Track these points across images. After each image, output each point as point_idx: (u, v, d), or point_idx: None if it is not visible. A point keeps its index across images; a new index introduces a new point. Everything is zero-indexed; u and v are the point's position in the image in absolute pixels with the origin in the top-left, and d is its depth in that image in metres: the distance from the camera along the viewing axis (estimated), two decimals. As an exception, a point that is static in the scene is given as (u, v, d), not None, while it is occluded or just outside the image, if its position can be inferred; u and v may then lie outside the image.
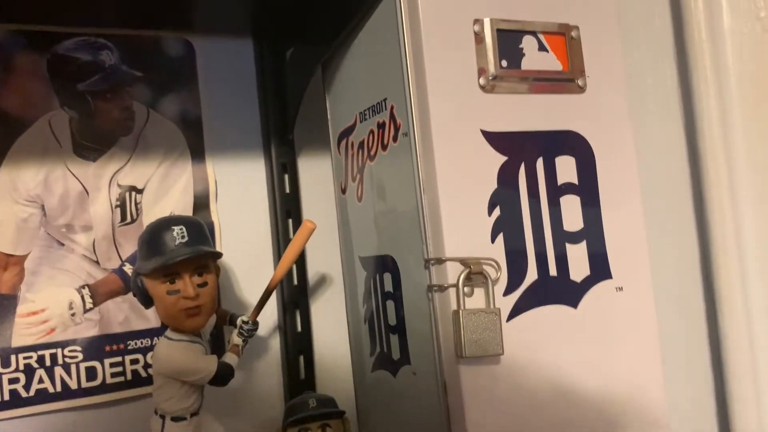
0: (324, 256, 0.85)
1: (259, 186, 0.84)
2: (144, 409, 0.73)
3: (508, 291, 0.59)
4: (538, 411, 0.59)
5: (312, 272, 0.86)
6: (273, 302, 0.84)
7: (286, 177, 0.84)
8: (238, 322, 0.72)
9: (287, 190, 0.84)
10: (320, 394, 0.77)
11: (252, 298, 0.80)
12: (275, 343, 0.84)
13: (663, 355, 0.65)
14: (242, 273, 0.82)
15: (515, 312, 0.59)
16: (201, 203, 0.80)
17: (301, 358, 0.83)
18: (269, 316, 0.83)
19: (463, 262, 0.57)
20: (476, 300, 0.57)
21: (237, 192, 0.83)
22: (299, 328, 0.84)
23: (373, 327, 0.69)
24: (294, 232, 0.82)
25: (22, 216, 0.73)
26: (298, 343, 0.83)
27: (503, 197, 0.59)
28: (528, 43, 0.62)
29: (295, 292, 0.84)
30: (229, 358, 0.69)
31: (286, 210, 0.83)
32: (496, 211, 0.59)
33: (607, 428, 0.62)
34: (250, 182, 0.84)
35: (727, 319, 0.69)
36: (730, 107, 0.73)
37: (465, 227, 0.58)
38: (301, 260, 0.85)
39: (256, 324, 0.73)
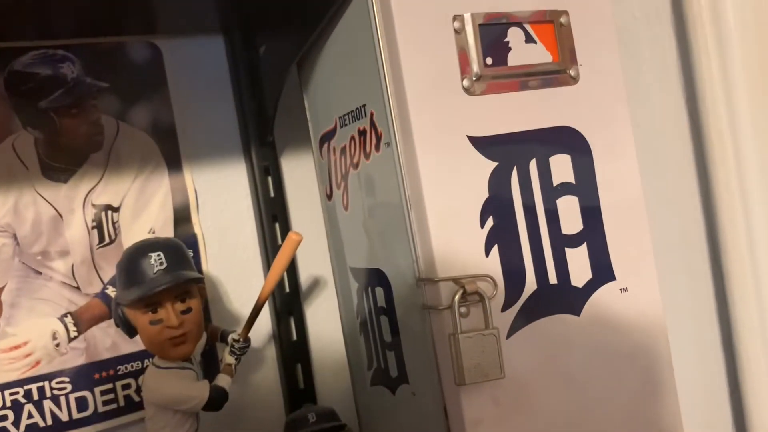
0: (316, 259, 0.81)
1: (242, 192, 0.80)
2: (139, 436, 0.71)
3: (506, 306, 0.55)
4: (546, 429, 0.56)
5: (304, 276, 0.82)
6: (266, 310, 0.81)
7: (270, 180, 0.80)
8: (229, 339, 0.70)
9: (272, 194, 0.80)
10: (320, 407, 0.75)
11: (243, 309, 0.77)
12: (271, 353, 0.81)
13: (673, 353, 0.62)
14: (231, 284, 0.79)
15: (515, 328, 0.56)
16: (182, 216, 0.76)
17: (299, 367, 0.81)
18: (263, 325, 0.80)
19: (457, 281, 0.53)
20: (474, 318, 0.54)
21: (219, 200, 0.79)
22: (294, 336, 0.81)
23: (369, 341, 0.66)
24: (282, 237, 0.79)
25: (-6, 247, 0.69)
26: (294, 351, 0.80)
27: (496, 206, 0.55)
28: (514, 36, 0.57)
29: (287, 299, 0.81)
30: (222, 380, 0.67)
31: (272, 215, 0.80)
32: (489, 222, 0.55)
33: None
34: (232, 189, 0.80)
35: (740, 312, 0.66)
36: (734, 82, 0.68)
37: (457, 242, 0.54)
38: (291, 265, 0.81)
39: (248, 341, 0.70)
